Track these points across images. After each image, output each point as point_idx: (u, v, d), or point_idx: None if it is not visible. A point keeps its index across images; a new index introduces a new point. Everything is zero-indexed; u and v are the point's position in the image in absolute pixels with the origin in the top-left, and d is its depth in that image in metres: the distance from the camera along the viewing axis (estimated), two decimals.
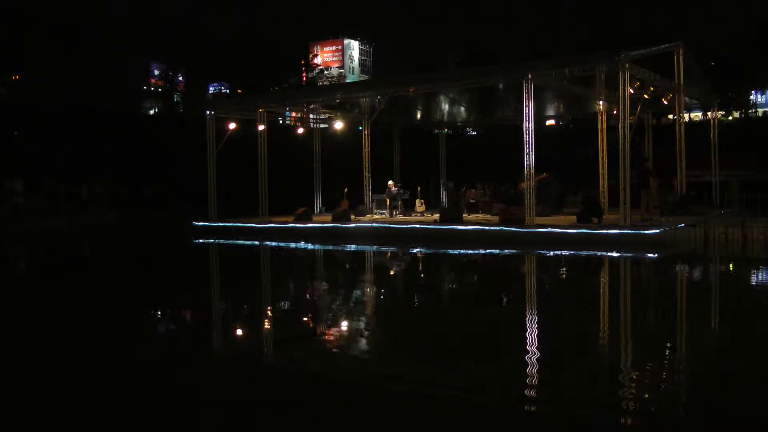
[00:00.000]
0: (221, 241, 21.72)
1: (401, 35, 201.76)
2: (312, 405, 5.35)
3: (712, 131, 23.93)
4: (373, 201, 25.59)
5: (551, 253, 15.94)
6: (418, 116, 29.67)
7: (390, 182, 24.97)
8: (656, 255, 15.11)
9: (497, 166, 34.49)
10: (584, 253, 15.86)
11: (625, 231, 16.31)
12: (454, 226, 19.14)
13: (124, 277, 14.35)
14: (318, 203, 27.25)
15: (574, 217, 18.54)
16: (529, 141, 17.97)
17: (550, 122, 50.10)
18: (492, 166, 35.31)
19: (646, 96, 18.87)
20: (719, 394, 5.50)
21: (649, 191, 17.98)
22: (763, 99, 64.66)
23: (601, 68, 18.02)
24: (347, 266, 16.11)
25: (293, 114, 24.98)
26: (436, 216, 21.29)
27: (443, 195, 28.43)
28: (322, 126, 27.97)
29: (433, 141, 31.78)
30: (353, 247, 18.83)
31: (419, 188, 25.26)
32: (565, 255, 15.76)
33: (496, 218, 19.82)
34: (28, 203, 32.21)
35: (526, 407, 5.23)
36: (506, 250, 16.74)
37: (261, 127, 23.85)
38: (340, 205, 22.73)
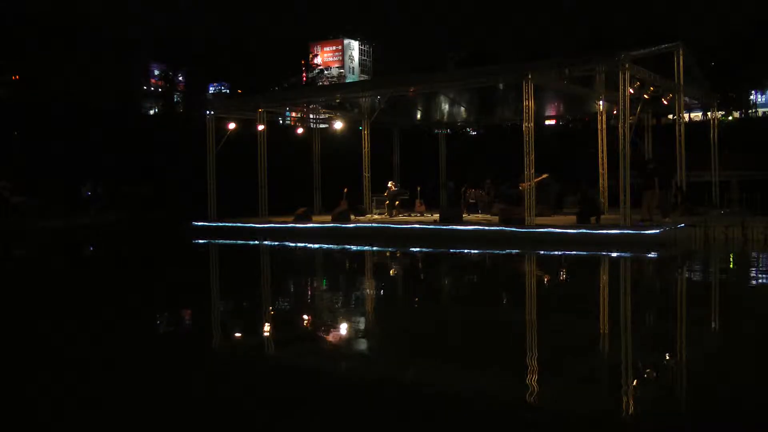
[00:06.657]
0: (221, 241, 21.69)
1: (401, 35, 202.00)
2: (311, 404, 5.33)
3: (712, 131, 23.91)
4: (372, 201, 25.58)
5: (551, 253, 15.92)
6: (418, 116, 29.65)
7: (390, 183, 24.96)
8: (656, 255, 15.11)
9: (497, 166, 34.45)
10: (584, 253, 15.85)
11: (625, 231, 16.31)
12: (454, 226, 19.13)
13: (121, 277, 14.32)
14: (318, 203, 27.23)
15: (574, 217, 18.54)
16: (529, 141, 17.97)
17: (550, 122, 50.15)
18: (492, 166, 35.28)
19: (646, 96, 18.87)
20: (719, 394, 5.48)
21: (653, 192, 17.94)
22: (763, 99, 64.70)
23: (601, 68, 18.02)
24: (346, 266, 16.09)
25: (293, 114, 24.99)
26: (436, 216, 21.28)
27: (443, 195, 28.41)
28: (322, 126, 27.97)
29: (433, 141, 31.75)
30: (353, 247, 18.81)
31: (419, 188, 25.24)
32: (565, 255, 15.75)
33: (496, 218, 19.82)
34: (27, 203, 32.12)
35: (524, 406, 5.21)
36: (506, 250, 16.72)
37: (261, 127, 23.84)
38: (339, 205, 22.71)
